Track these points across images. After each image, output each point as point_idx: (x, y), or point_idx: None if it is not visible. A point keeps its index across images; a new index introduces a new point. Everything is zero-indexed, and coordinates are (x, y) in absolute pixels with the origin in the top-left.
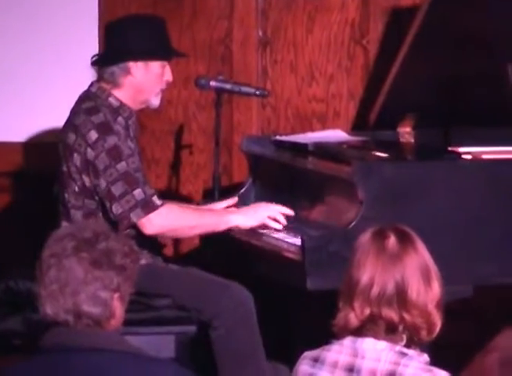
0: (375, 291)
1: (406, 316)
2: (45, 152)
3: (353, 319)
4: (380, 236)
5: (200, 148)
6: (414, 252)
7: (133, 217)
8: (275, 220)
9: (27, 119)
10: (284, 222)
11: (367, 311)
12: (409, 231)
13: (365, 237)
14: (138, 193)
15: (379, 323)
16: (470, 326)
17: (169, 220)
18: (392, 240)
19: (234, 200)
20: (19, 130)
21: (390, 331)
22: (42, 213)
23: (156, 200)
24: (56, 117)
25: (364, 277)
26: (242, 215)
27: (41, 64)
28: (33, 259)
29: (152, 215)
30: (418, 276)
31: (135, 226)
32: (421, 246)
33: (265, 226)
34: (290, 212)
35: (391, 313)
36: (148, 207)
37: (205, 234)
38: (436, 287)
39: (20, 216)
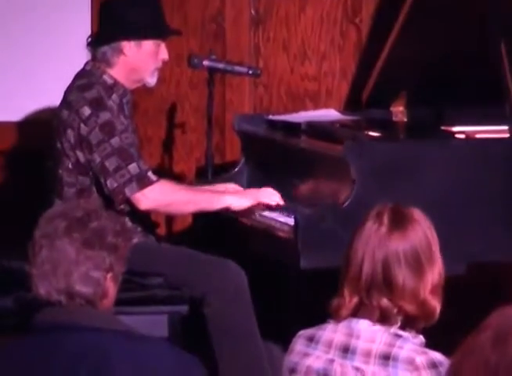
0: (364, 275)
1: (398, 302)
2: (40, 131)
3: (343, 307)
4: (376, 217)
5: (193, 127)
6: (401, 235)
7: (127, 191)
8: (267, 206)
9: (22, 98)
10: (278, 201)
11: (355, 299)
12: (409, 212)
13: (365, 217)
14: (132, 167)
15: (372, 309)
16: (461, 305)
17: (163, 195)
18: (384, 221)
19: (235, 187)
20: (14, 109)
21: (383, 318)
22: (37, 191)
23: (151, 175)
24: (52, 97)
25: (355, 259)
26: (235, 196)
27: (36, 44)
28: (26, 238)
29: (146, 190)
30: (403, 261)
31: (129, 201)
32: (415, 229)
33: (258, 206)
34: (281, 202)
35: (381, 301)
36: (143, 181)
37: (199, 212)
38: (430, 273)
39: (15, 195)
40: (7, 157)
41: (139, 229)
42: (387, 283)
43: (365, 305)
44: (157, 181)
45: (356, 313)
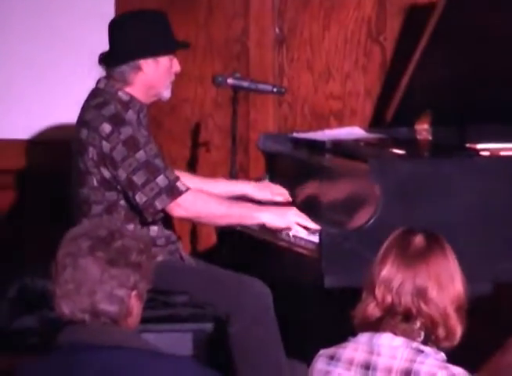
0: (396, 282)
1: (424, 307)
2: (51, 150)
3: (373, 308)
4: (407, 234)
5: (217, 146)
6: (442, 255)
7: (158, 204)
8: (302, 227)
9: (35, 117)
10: (311, 228)
11: (389, 298)
12: (441, 236)
13: (394, 234)
14: (161, 179)
15: (396, 316)
16: (487, 325)
17: (195, 206)
18: (419, 239)
19: (287, 198)
20: (24, 127)
21: (407, 323)
22: (48, 211)
23: (180, 185)
24: (64, 116)
25: (385, 270)
26: (272, 214)
27: (45, 62)
28: (45, 257)
29: (180, 200)
30: (440, 278)
31: (160, 213)
32: (450, 252)
33: (288, 229)
34: (316, 227)
35: (409, 302)
36: (173, 192)
37: (233, 225)
38: (457, 291)
39: (25, 214)
40: (16, 175)
41: (163, 242)
42: (420, 293)
43: (393, 308)
44: (187, 190)
45: (380, 324)
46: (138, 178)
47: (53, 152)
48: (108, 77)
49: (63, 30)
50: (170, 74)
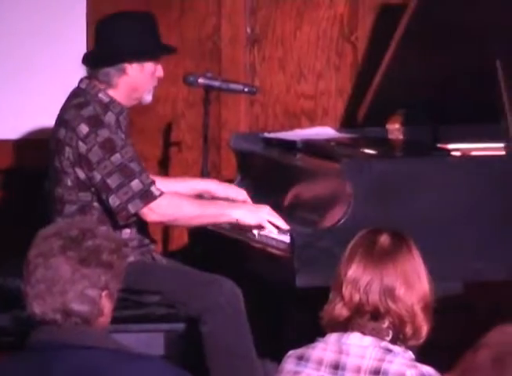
0: (363, 282)
1: (392, 306)
2: (37, 149)
3: (341, 308)
4: (373, 233)
5: (189, 145)
6: (408, 253)
7: (131, 208)
8: (273, 225)
9: (20, 117)
10: (282, 228)
11: (356, 297)
12: (407, 235)
13: (360, 234)
14: (135, 183)
15: (364, 316)
16: (460, 323)
17: (170, 209)
18: (384, 238)
19: (245, 196)
20: (11, 127)
21: (375, 322)
22: (35, 210)
23: (154, 190)
24: (49, 116)
25: (352, 270)
26: (244, 210)
27: (32, 62)
28: (23, 257)
29: (153, 205)
30: (407, 276)
31: (134, 217)
32: (416, 250)
33: (259, 227)
34: (287, 227)
35: (376, 301)
36: (147, 197)
37: (207, 224)
38: (423, 290)
39: (13, 214)
40: (4, 175)
41: (136, 244)
42: (388, 292)
43: (361, 308)
44: (160, 195)
45: (348, 324)
46: (113, 181)
47: (41, 152)
48: (90, 77)
49: (49, 30)
50: (153, 78)
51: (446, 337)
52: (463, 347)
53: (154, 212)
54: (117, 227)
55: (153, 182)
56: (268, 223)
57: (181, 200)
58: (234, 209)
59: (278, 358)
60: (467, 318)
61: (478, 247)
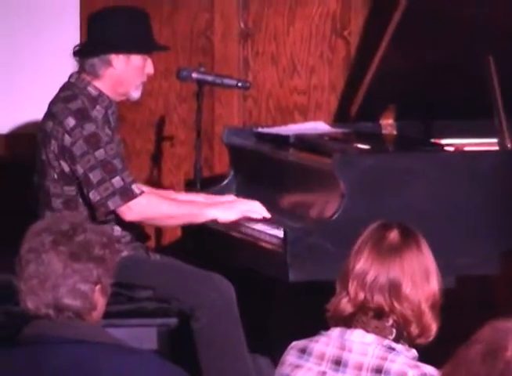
0: (370, 277)
1: (397, 305)
2: (28, 143)
3: (346, 304)
4: (383, 228)
5: (181, 140)
6: (417, 249)
7: (110, 205)
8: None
9: (8, 110)
10: (264, 214)
11: (361, 295)
12: (417, 232)
13: (370, 228)
14: (116, 180)
15: (368, 313)
16: (451, 318)
17: (148, 209)
18: (394, 234)
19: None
20: (2, 121)
21: (378, 320)
22: (26, 204)
23: (135, 188)
24: (38, 109)
25: (360, 264)
26: (220, 208)
27: (22, 56)
28: (13, 251)
29: (131, 203)
30: (415, 274)
31: (114, 213)
32: (425, 247)
33: (245, 219)
34: (267, 214)
35: (381, 300)
36: (127, 195)
37: (185, 224)
38: (432, 288)
39: (3, 208)
40: None
41: (128, 240)
42: (394, 289)
43: (365, 305)
44: (141, 194)
45: (352, 320)
46: (94, 176)
47: (32, 146)
48: (80, 71)
49: (41, 25)
50: (142, 74)
51: (438, 332)
52: (456, 342)
53: (132, 211)
54: (108, 224)
55: (133, 181)
56: (249, 212)
57: (159, 200)
58: (210, 209)
59: (269, 352)
60: (459, 313)
61: (470, 241)
